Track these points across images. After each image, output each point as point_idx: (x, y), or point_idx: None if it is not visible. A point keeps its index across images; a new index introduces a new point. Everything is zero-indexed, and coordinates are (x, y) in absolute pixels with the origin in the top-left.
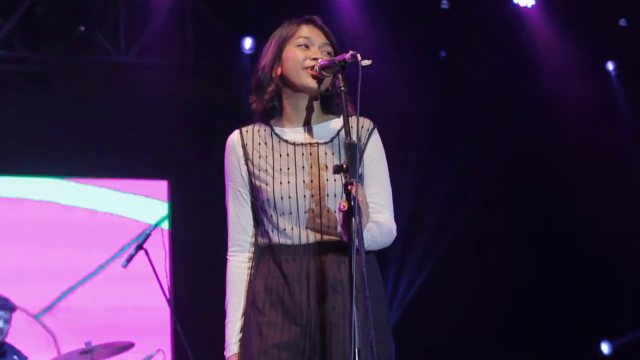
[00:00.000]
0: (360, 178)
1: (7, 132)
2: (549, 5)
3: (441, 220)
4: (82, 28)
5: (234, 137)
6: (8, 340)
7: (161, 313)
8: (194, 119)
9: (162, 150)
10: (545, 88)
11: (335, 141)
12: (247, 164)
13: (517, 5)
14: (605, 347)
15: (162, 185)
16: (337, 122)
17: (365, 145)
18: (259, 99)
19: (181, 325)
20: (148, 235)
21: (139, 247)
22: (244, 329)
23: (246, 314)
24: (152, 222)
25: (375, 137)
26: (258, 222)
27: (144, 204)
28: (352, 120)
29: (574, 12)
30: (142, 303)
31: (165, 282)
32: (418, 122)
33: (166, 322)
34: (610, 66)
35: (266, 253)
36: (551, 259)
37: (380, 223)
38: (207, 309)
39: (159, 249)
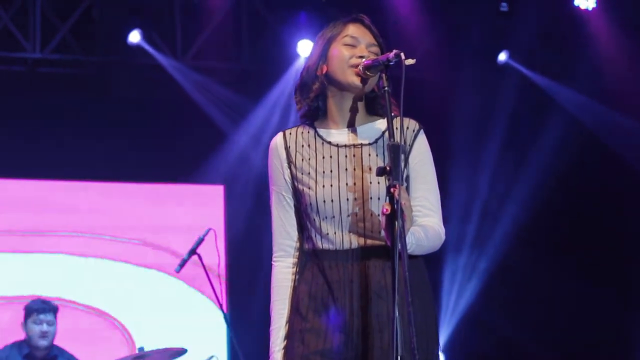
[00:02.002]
0: (406, 180)
1: (63, 136)
2: (609, 8)
3: (501, 225)
4: (139, 31)
5: (277, 139)
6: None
7: (215, 318)
8: (251, 122)
9: (218, 155)
10: (606, 90)
11: (380, 142)
12: (290, 167)
13: (578, 7)
14: None
15: (218, 190)
16: (382, 123)
17: (411, 147)
18: (304, 98)
19: (234, 330)
20: (202, 240)
21: (192, 251)
22: (288, 336)
23: (290, 321)
24: (207, 227)
25: (422, 139)
26: (302, 227)
27: (200, 209)
28: (397, 121)
29: (636, 14)
30: (195, 308)
31: (218, 286)
32: (473, 125)
33: (221, 327)
34: None
35: (310, 258)
36: (620, 269)
37: (426, 227)
38: (264, 314)
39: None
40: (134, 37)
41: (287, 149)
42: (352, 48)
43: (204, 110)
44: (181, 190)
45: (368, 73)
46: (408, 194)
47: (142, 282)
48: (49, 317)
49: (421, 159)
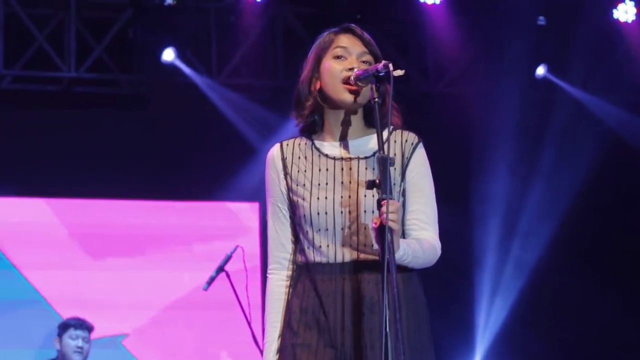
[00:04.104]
0: (403, 194)
1: (100, 155)
2: None
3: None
4: (173, 49)
5: (274, 150)
6: None
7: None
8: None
9: (253, 172)
10: None
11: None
12: (285, 179)
13: (617, 20)
14: None
15: (253, 207)
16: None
17: (409, 159)
18: (299, 115)
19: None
20: (229, 257)
21: (220, 269)
22: (280, 350)
23: (283, 335)
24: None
25: (420, 152)
26: (296, 239)
27: (236, 226)
28: (396, 133)
29: None
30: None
31: (247, 303)
32: (512, 139)
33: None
34: None
35: (303, 272)
36: None
37: (421, 240)
38: None
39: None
40: (168, 55)
41: (283, 160)
42: (343, 60)
43: (239, 128)
44: (217, 208)
45: (360, 84)
46: (405, 207)
47: (176, 298)
48: (85, 333)
49: (419, 172)
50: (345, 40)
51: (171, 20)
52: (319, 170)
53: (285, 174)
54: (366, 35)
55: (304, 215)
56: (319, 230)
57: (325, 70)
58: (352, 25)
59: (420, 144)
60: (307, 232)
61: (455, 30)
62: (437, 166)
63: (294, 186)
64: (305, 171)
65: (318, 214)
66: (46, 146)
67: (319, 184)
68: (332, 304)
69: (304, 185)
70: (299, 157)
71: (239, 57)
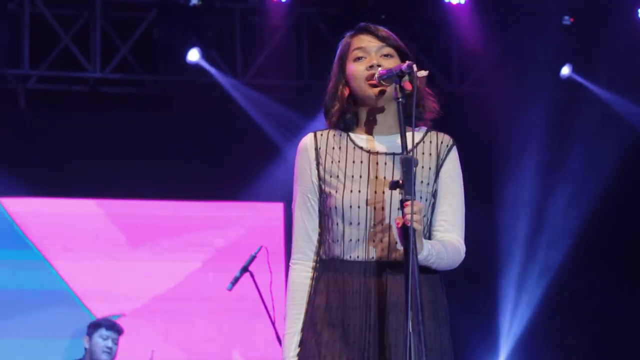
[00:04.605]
0: (434, 196)
1: (125, 155)
2: None
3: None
4: (198, 49)
5: (307, 140)
6: None
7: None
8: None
9: (278, 172)
10: None
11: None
12: (318, 169)
13: None
14: None
15: (278, 208)
16: (416, 135)
17: (443, 161)
18: (329, 121)
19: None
20: (254, 258)
21: (244, 269)
22: (302, 344)
23: (305, 329)
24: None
25: (454, 155)
26: (323, 232)
27: (261, 226)
28: (432, 134)
29: None
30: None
31: (271, 304)
32: (537, 139)
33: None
34: None
35: (329, 267)
36: None
37: (445, 242)
38: None
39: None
40: (193, 55)
41: (317, 149)
42: (363, 60)
43: (264, 129)
44: (242, 208)
45: (384, 83)
46: (434, 208)
47: (201, 298)
48: (115, 335)
49: (451, 175)
50: (361, 41)
51: (196, 21)
52: (353, 162)
53: (318, 164)
54: (381, 31)
55: (335, 207)
56: (350, 223)
57: (349, 74)
58: (364, 24)
59: (454, 147)
60: (337, 224)
61: (480, 30)
62: (462, 166)
63: (326, 177)
64: (339, 162)
65: (350, 207)
66: (71, 146)
67: (352, 176)
68: (357, 302)
69: (337, 176)
70: (333, 148)
71: (264, 58)
